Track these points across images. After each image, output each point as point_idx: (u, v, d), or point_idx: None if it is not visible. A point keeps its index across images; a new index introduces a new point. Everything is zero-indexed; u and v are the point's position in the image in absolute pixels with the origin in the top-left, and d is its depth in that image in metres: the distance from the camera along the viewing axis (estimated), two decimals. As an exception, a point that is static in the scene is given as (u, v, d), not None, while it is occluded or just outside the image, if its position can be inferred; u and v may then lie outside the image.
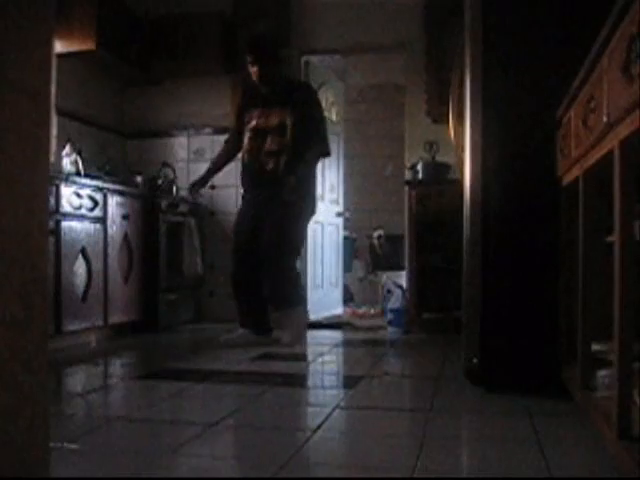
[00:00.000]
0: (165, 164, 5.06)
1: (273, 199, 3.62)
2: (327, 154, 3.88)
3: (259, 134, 3.68)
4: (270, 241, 3.65)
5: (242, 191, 3.93)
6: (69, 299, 3.50)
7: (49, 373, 1.09)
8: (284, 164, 3.62)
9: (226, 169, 5.02)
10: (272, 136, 3.65)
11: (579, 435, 1.83)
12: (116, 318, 3.98)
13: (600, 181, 1.78)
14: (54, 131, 4.10)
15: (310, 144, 3.69)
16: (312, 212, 3.89)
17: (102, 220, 3.86)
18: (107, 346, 3.76)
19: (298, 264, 4.00)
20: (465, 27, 2.60)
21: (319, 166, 4.59)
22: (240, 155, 3.85)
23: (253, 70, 3.65)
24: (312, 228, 5.19)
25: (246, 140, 3.73)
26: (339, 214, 5.91)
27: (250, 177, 3.77)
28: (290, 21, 4.94)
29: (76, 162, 4.13)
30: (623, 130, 1.33)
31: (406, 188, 4.61)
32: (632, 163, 1.37)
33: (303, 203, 3.74)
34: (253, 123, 3.70)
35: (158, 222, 4.40)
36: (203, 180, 4.03)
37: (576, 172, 1.95)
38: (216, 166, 4.08)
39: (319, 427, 1.98)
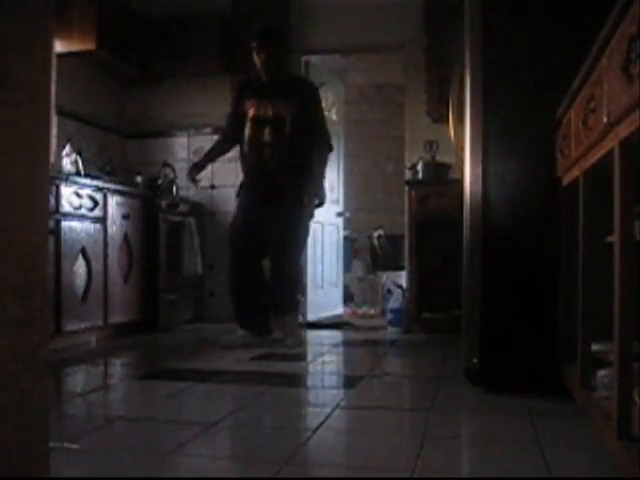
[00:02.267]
0: (165, 164, 5.06)
1: (276, 198, 3.61)
2: (331, 149, 3.89)
3: (258, 124, 3.64)
4: (277, 243, 3.64)
5: (241, 181, 3.84)
6: (69, 299, 3.50)
7: (49, 373, 1.09)
8: (279, 157, 3.60)
9: (226, 169, 5.05)
10: (270, 127, 3.61)
11: (579, 435, 1.83)
12: (116, 318, 3.98)
13: (600, 181, 1.78)
14: (54, 131, 4.10)
15: (315, 143, 3.71)
16: (319, 204, 3.82)
17: (102, 220, 3.86)
18: (107, 346, 3.76)
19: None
20: (465, 27, 2.60)
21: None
22: (240, 147, 3.79)
23: (259, 57, 3.62)
24: (312, 228, 5.18)
25: (247, 130, 3.68)
26: (339, 214, 5.91)
27: (249, 168, 3.73)
28: (290, 21, 4.94)
29: (76, 162, 4.13)
30: (623, 130, 1.33)
31: (406, 188, 4.61)
32: (632, 163, 1.37)
33: (308, 201, 3.72)
34: (251, 112, 3.66)
35: (158, 222, 4.40)
36: (201, 164, 3.92)
37: (576, 172, 1.95)
38: (212, 155, 4.00)
39: (319, 427, 1.98)
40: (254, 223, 3.67)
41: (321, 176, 3.77)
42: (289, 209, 3.63)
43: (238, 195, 3.83)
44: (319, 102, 3.80)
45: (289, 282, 3.75)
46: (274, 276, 3.72)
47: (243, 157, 3.76)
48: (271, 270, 3.74)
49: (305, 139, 3.66)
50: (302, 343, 3.81)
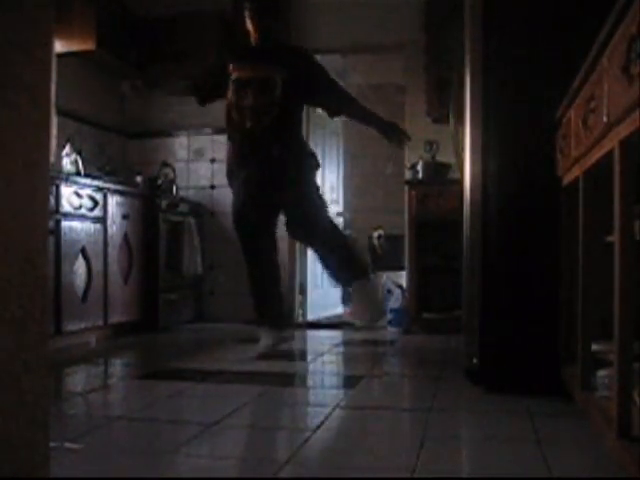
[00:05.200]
0: (165, 164, 5.06)
1: (275, 174, 3.31)
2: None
3: (240, 87, 3.32)
4: (301, 225, 3.42)
5: (228, 157, 3.49)
6: (69, 299, 3.50)
7: (49, 373, 1.09)
8: (265, 123, 3.26)
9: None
10: (253, 90, 3.29)
11: (579, 435, 1.83)
12: (116, 318, 3.98)
13: (600, 181, 1.78)
14: (54, 131, 4.10)
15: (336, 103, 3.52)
16: (317, 166, 3.58)
17: (102, 220, 3.86)
18: (107, 346, 3.76)
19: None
20: (465, 27, 2.60)
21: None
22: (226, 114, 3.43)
23: (251, 21, 3.38)
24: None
25: (230, 94, 3.35)
26: (339, 214, 5.91)
27: (233, 137, 3.41)
28: (290, 21, 4.94)
29: (76, 162, 4.13)
30: (623, 130, 1.33)
31: (406, 188, 4.61)
32: (632, 163, 1.37)
33: (310, 161, 3.49)
34: (234, 75, 3.35)
35: (158, 222, 4.40)
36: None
37: (576, 172, 1.95)
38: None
39: (319, 427, 1.98)
40: (258, 203, 3.37)
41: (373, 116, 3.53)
42: (294, 184, 3.35)
43: (230, 176, 3.50)
44: (322, 67, 3.52)
45: (342, 251, 3.53)
46: (325, 255, 3.51)
47: (227, 123, 3.42)
48: (317, 252, 3.55)
49: (296, 105, 3.42)
50: (378, 316, 3.61)
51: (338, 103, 3.53)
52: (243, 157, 3.40)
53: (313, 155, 3.56)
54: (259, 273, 3.48)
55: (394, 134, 3.52)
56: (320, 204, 3.52)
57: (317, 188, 3.55)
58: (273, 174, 3.33)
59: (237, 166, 3.43)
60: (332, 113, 3.67)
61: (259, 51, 3.43)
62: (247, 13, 3.40)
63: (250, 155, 3.36)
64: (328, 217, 3.59)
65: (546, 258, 2.38)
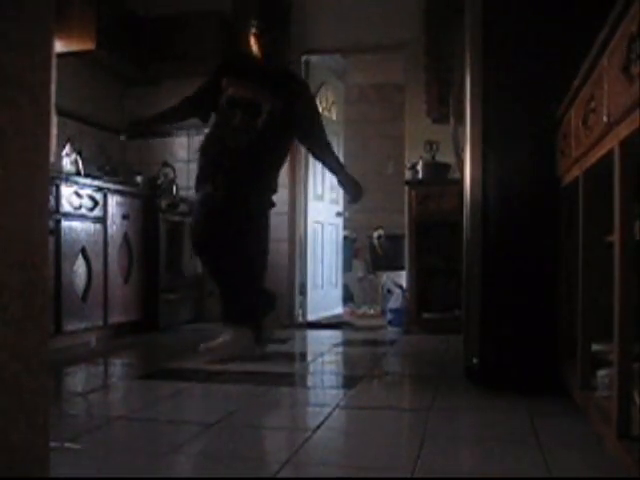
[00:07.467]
0: (165, 164, 5.05)
1: (239, 201, 3.19)
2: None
3: (231, 106, 3.22)
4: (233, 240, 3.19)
5: (200, 168, 3.35)
6: (69, 299, 3.50)
7: (49, 373, 1.09)
8: (247, 145, 3.16)
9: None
10: (241, 111, 3.18)
11: (579, 435, 1.83)
12: (116, 318, 3.98)
13: (600, 181, 1.78)
14: (54, 131, 4.10)
15: (314, 141, 3.38)
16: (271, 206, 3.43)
17: (102, 220, 3.86)
18: (107, 346, 3.76)
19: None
20: (465, 27, 2.60)
21: (316, 164, 4.57)
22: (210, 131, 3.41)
23: (258, 42, 3.21)
24: (312, 228, 5.20)
25: (218, 112, 3.30)
26: (339, 214, 5.91)
27: (214, 155, 3.28)
28: (290, 21, 4.93)
29: (76, 162, 4.13)
30: (623, 130, 1.33)
31: (406, 188, 4.61)
32: (632, 163, 1.37)
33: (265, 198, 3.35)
34: (229, 92, 3.23)
35: (158, 222, 4.40)
36: (147, 123, 3.53)
37: (576, 172, 1.95)
38: (166, 118, 3.60)
39: (319, 427, 1.98)
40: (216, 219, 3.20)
41: (342, 169, 3.40)
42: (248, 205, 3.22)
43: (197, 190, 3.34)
44: (313, 102, 3.39)
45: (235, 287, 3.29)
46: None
47: (212, 141, 3.33)
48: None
49: (280, 136, 3.28)
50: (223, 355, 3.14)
51: (317, 146, 3.40)
52: (214, 173, 3.24)
53: (270, 198, 3.40)
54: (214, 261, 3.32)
55: (354, 189, 3.41)
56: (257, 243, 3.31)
57: (264, 230, 3.37)
58: (233, 192, 3.19)
59: (209, 178, 3.27)
60: (311, 152, 3.53)
61: (258, 71, 3.28)
62: (255, 34, 3.22)
63: (221, 173, 3.21)
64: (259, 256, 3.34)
65: (546, 258, 2.38)
